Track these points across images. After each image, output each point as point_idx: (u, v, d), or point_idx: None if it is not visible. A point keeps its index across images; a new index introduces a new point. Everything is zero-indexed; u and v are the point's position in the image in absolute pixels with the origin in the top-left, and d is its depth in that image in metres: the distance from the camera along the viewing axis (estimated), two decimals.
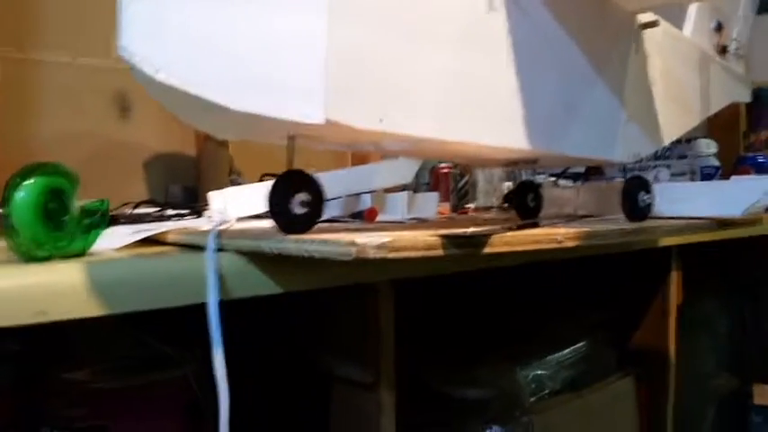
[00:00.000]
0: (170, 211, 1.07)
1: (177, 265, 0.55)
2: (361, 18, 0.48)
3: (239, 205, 0.87)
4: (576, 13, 0.67)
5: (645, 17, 0.78)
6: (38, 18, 1.22)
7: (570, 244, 0.53)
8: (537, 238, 0.50)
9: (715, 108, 0.99)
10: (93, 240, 0.63)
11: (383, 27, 0.49)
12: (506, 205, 1.06)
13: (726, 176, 1.50)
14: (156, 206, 1.11)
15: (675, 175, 1.60)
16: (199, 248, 0.56)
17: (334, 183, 0.95)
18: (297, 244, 0.46)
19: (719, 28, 1.07)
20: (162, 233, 0.73)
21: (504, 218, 0.92)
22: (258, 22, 0.44)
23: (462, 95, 0.55)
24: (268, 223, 0.86)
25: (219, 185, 1.34)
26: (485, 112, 0.57)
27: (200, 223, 0.87)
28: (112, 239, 0.71)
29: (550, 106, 0.64)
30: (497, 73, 0.58)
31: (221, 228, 0.65)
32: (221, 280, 0.55)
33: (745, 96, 1.15)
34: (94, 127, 1.25)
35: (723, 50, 1.08)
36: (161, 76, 0.42)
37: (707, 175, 1.58)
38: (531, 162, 0.76)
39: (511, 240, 0.48)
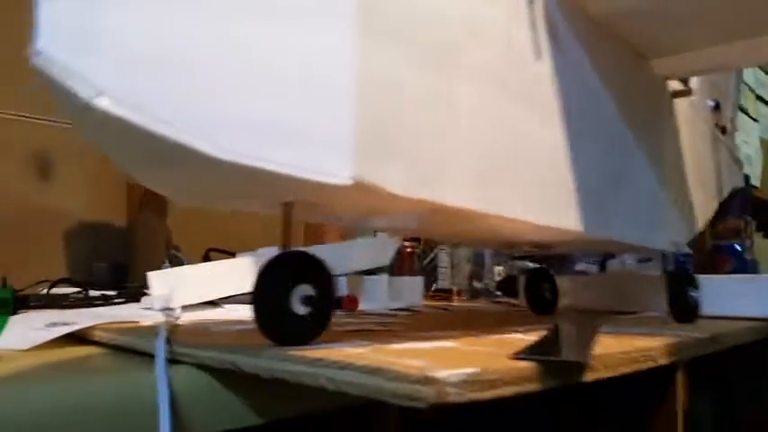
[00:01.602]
0: (94, 293, 0.88)
1: (110, 389, 0.38)
2: (395, 48, 0.34)
3: (188, 290, 0.69)
4: (616, 72, 0.56)
5: (676, 84, 0.68)
6: None
7: (665, 361, 0.39)
8: (632, 357, 0.37)
9: (725, 193, 0.90)
10: None
11: (420, 64, 0.36)
12: (499, 293, 0.92)
13: (699, 266, 1.43)
14: (76, 286, 0.92)
15: (642, 261, 1.52)
16: (137, 353, 0.43)
17: None
18: (313, 368, 0.30)
19: (717, 107, 1.00)
20: (86, 329, 0.55)
21: (514, 310, 0.78)
22: (266, 39, 0.29)
23: (506, 156, 0.42)
24: (223, 313, 0.71)
25: (154, 262, 1.16)
26: (530, 180, 0.44)
27: (135, 312, 0.69)
28: (20, 334, 0.53)
29: (598, 178, 0.52)
30: (543, 132, 0.46)
31: (168, 323, 0.48)
32: (176, 410, 0.38)
33: (739, 182, 1.08)
34: (6, 189, 1.05)
35: (723, 131, 1.00)
36: (103, 103, 0.26)
37: (681, 262, 1.50)
38: (549, 246, 0.63)
39: (609, 362, 0.34)
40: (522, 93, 0.43)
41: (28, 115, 1.08)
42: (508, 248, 0.68)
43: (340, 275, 0.89)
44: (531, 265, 1.04)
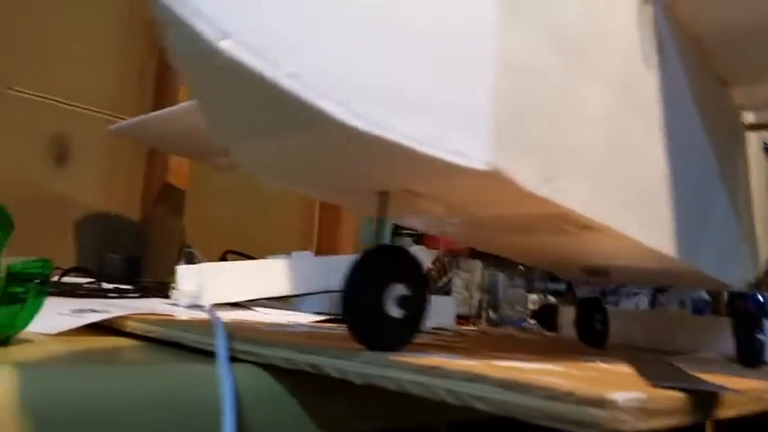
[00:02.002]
0: (106, 285, 0.84)
1: (167, 384, 0.34)
2: (533, 30, 0.31)
3: (218, 288, 0.65)
4: (705, 95, 0.53)
5: (751, 117, 0.65)
6: None
7: None
8: (760, 395, 0.33)
9: None
10: (25, 321, 0.41)
11: (556, 52, 0.32)
12: (533, 321, 0.88)
13: (717, 312, 1.40)
14: (89, 276, 0.87)
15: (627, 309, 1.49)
16: (174, 347, 0.40)
17: (329, 272, 0.75)
18: (428, 377, 0.26)
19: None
20: (118, 318, 0.50)
21: (559, 340, 0.74)
22: (409, 2, 0.26)
23: (621, 167, 0.38)
24: (257, 316, 0.66)
25: (168, 259, 1.12)
26: (640, 196, 0.41)
27: (161, 307, 0.64)
28: (47, 319, 0.48)
29: (691, 203, 0.48)
30: (652, 147, 0.42)
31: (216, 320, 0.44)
32: (238, 411, 0.34)
33: None
34: (22, 173, 1.01)
35: None
36: (228, 47, 0.22)
37: (698, 309, 1.47)
38: (604, 274, 0.60)
39: (756, 396, 0.30)
40: (636, 102, 0.40)
41: (48, 97, 1.05)
42: (563, 272, 0.65)
43: None
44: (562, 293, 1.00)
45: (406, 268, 0.33)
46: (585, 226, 0.36)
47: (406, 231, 1.22)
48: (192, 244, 1.14)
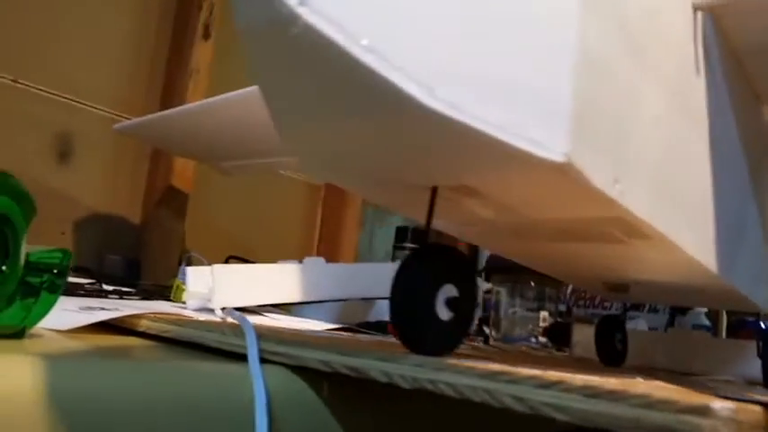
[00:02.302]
0: (107, 287, 0.81)
1: (190, 380, 0.32)
2: (607, 25, 0.29)
3: (232, 291, 0.63)
4: (743, 110, 0.52)
5: None
6: None
7: None
8: None
9: None
10: (39, 315, 0.38)
11: (625, 51, 0.31)
12: (545, 339, 0.86)
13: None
14: (89, 276, 0.85)
15: (653, 329, 1.48)
16: (195, 348, 0.39)
17: (344, 280, 0.73)
18: (493, 383, 0.25)
19: None
20: (131, 317, 0.48)
21: (576, 359, 0.73)
22: None
23: (676, 176, 0.37)
24: (268, 321, 0.64)
25: (167, 262, 1.09)
26: (693, 207, 0.39)
27: (170, 309, 0.62)
28: (57, 316, 0.46)
29: (732, 219, 0.47)
30: (702, 157, 0.41)
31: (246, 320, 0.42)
32: (271, 414, 0.32)
33: None
34: (24, 168, 0.98)
35: None
36: (305, 15, 0.21)
37: None
38: (624, 290, 0.58)
39: None
40: (687, 110, 0.39)
41: (53, 92, 1.02)
42: (584, 285, 0.63)
43: (380, 298, 0.83)
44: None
45: (456, 267, 0.31)
46: (641, 234, 0.34)
47: (408, 246, 1.20)
48: (192, 248, 1.12)
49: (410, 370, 0.28)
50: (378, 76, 0.22)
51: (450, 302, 0.31)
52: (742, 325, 1.42)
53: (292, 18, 0.20)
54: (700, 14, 0.42)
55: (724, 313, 1.33)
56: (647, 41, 0.33)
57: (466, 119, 0.23)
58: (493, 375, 0.25)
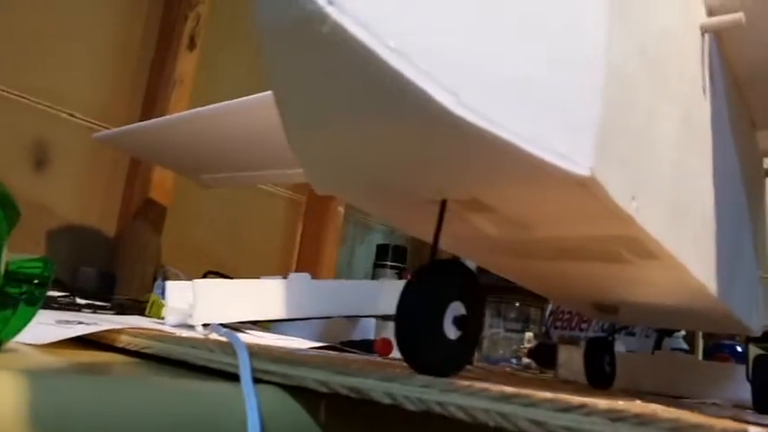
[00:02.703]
0: (80, 300, 0.79)
1: (179, 399, 0.30)
2: (632, 41, 0.29)
3: (213, 306, 0.61)
4: (739, 135, 0.52)
5: None
6: None
7: None
8: None
9: None
10: (17, 327, 0.36)
11: (645, 68, 0.30)
12: (529, 361, 0.85)
13: None
14: (62, 289, 0.82)
15: (630, 352, 1.48)
16: (178, 365, 0.37)
17: (329, 297, 0.71)
18: (508, 405, 0.23)
19: None
20: (110, 332, 0.46)
21: (552, 379, 0.72)
22: None
23: (686, 196, 0.36)
24: (252, 339, 0.62)
25: (143, 277, 1.06)
26: (700, 228, 0.38)
27: (148, 324, 0.59)
28: (33, 329, 0.44)
29: (730, 242, 0.47)
30: (707, 178, 0.40)
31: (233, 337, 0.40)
32: None
33: None
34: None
35: None
36: (334, 15, 0.20)
37: None
38: (614, 311, 0.58)
39: None
40: (694, 132, 0.39)
41: (32, 99, 1.00)
42: (574, 306, 0.62)
43: (366, 316, 0.81)
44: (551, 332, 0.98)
45: (465, 284, 0.30)
46: (648, 253, 0.34)
47: (389, 264, 1.18)
48: (168, 263, 1.09)
49: (417, 391, 0.27)
50: (403, 79, 0.20)
51: (458, 321, 0.29)
52: (718, 348, 1.43)
53: (321, 17, 0.19)
54: (707, 37, 0.42)
55: (700, 337, 1.33)
56: (662, 61, 0.33)
57: (492, 128, 0.22)
58: (508, 398, 0.24)
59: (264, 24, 0.21)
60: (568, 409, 0.22)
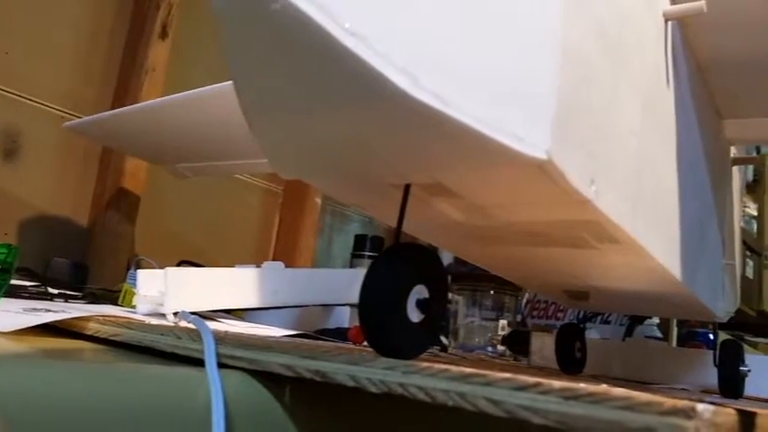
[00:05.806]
0: (52, 290, 0.78)
1: (145, 385, 0.30)
2: (589, 25, 0.29)
3: (185, 295, 0.60)
4: (704, 124, 0.53)
5: (735, 151, 0.65)
6: None
7: None
8: None
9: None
10: None
11: (605, 53, 0.31)
12: (503, 348, 0.86)
13: None
14: (34, 278, 0.81)
15: (604, 339, 1.50)
16: (146, 352, 0.37)
17: (303, 286, 0.71)
18: (468, 385, 0.23)
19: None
20: (78, 319, 0.46)
21: (537, 367, 0.72)
22: None
23: (648, 182, 0.37)
24: (223, 327, 0.62)
25: (116, 267, 1.05)
26: (662, 215, 0.39)
27: (120, 313, 0.59)
28: (0, 318, 0.44)
29: (694, 228, 0.47)
30: (670, 167, 0.41)
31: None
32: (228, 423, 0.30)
33: None
34: None
35: None
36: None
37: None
38: (584, 298, 0.58)
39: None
40: (657, 119, 0.39)
41: (0, 87, 0.98)
42: (545, 292, 0.63)
43: (341, 305, 0.81)
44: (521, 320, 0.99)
45: (428, 267, 0.30)
46: (611, 237, 0.34)
47: (367, 254, 1.18)
48: (142, 252, 1.08)
49: (379, 373, 0.27)
50: (360, 62, 0.20)
51: (420, 304, 0.30)
52: (691, 336, 1.45)
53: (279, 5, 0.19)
54: (670, 25, 0.42)
55: (674, 325, 1.35)
56: (623, 47, 0.33)
57: (450, 111, 0.22)
58: (466, 378, 0.24)
59: (219, 3, 0.21)
60: (524, 387, 0.23)
